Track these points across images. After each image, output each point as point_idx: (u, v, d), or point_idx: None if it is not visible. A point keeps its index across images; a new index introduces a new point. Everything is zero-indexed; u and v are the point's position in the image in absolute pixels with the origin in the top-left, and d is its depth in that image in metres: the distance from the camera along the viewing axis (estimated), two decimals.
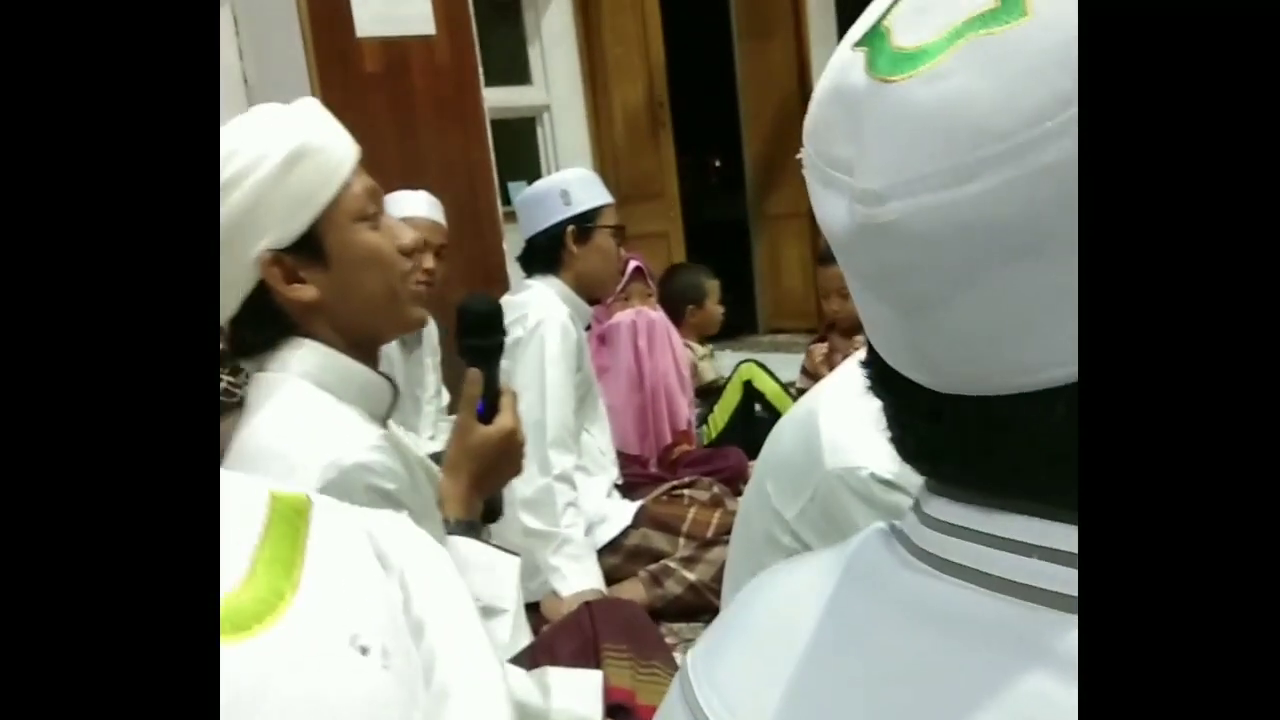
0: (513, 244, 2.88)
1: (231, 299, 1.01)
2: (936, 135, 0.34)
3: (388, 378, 1.09)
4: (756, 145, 5.76)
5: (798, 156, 0.43)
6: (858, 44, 0.40)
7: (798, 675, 0.43)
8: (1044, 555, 0.37)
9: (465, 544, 1.07)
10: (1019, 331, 0.35)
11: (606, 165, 5.00)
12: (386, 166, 3.23)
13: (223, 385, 1.62)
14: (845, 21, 5.93)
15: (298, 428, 0.98)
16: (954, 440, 0.41)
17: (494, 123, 3.53)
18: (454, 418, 2.09)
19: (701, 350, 3.62)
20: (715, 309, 3.63)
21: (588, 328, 2.61)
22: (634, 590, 2.24)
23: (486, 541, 1.10)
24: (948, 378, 0.38)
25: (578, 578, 2.16)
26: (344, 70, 3.10)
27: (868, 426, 1.35)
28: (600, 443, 2.53)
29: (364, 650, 0.27)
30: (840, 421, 1.27)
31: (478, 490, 1.13)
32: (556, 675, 1.22)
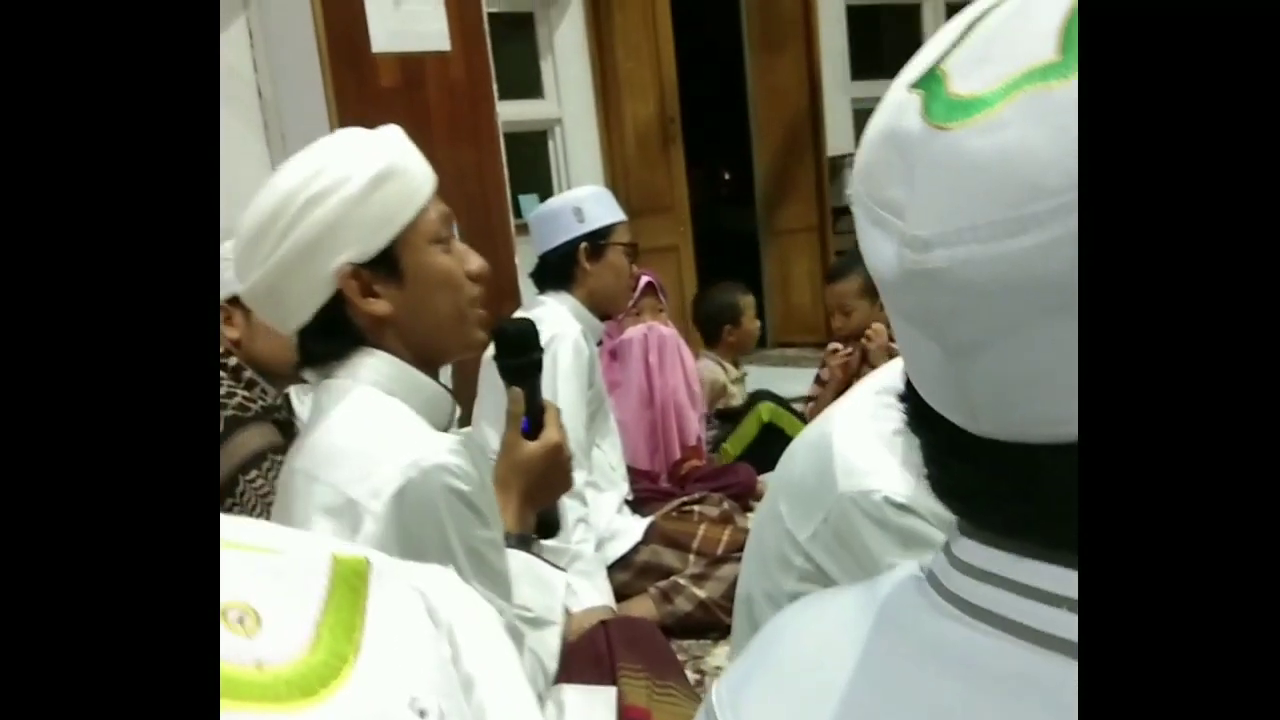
0: (524, 257, 2.89)
1: (306, 309, 1.05)
2: (988, 187, 0.34)
3: (449, 390, 1.13)
4: (767, 159, 5.77)
5: (857, 175, 0.43)
6: (914, 85, 0.40)
7: (831, 715, 0.44)
8: (1073, 607, 0.38)
9: (518, 557, 1.10)
10: (1053, 383, 0.35)
11: (617, 178, 5.01)
12: None
13: (239, 399, 1.63)
14: (855, 36, 5.95)
15: (377, 428, 1.02)
16: (987, 483, 0.41)
17: (505, 136, 3.55)
18: (466, 430, 2.09)
19: (735, 373, 3.57)
20: (751, 326, 3.56)
21: (599, 343, 2.62)
22: (644, 607, 2.25)
23: (538, 555, 1.14)
24: (985, 422, 0.39)
25: (588, 594, 2.16)
26: (359, 85, 3.12)
27: (881, 449, 1.36)
28: (611, 458, 2.53)
29: (423, 713, 0.28)
30: (854, 444, 1.28)
31: (529, 505, 1.16)
32: (572, 693, 1.23)
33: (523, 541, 1.12)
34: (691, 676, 1.85)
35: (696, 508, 2.52)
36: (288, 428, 1.72)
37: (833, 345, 3.08)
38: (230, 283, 1.69)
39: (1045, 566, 0.39)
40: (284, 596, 0.29)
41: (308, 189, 1.00)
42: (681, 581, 2.27)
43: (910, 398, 0.44)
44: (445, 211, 1.09)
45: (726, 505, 2.56)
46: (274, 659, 0.27)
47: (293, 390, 1.99)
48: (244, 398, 1.64)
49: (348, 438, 1.02)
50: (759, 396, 3.39)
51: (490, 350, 1.25)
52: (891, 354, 2.72)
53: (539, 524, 1.20)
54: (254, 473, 1.57)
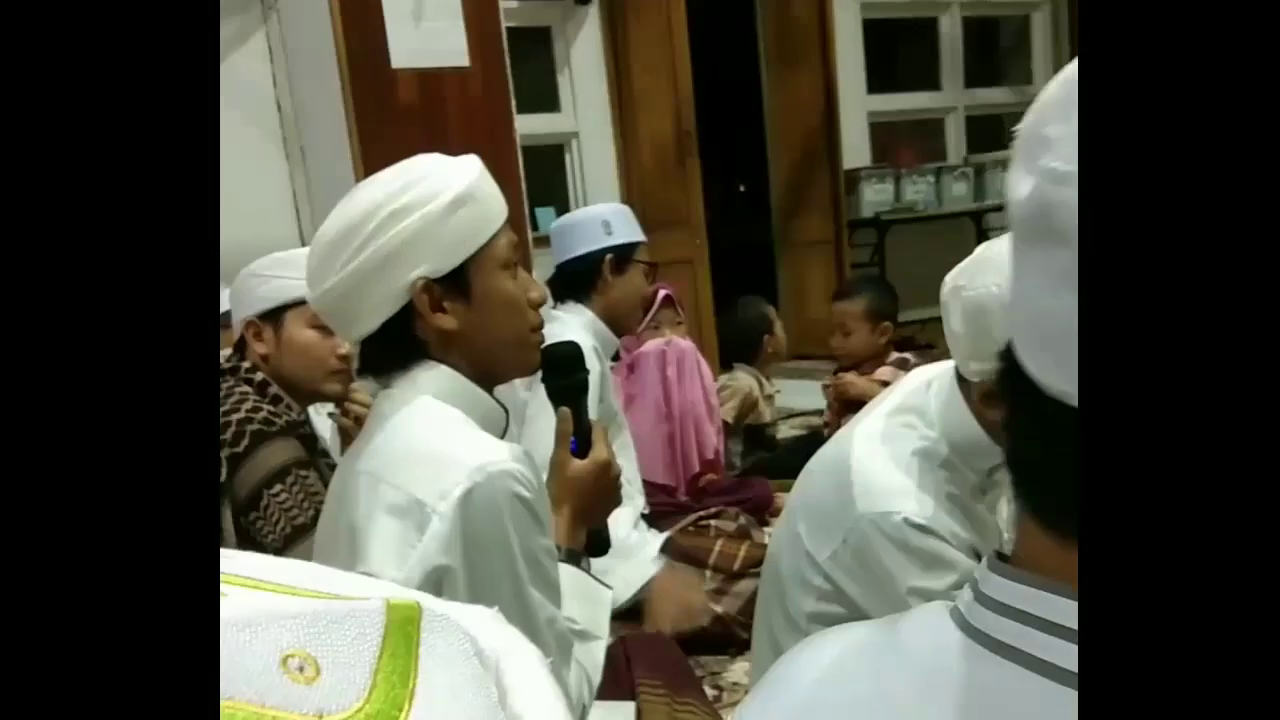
0: (540, 269, 2.90)
1: (376, 318, 1.09)
2: None
3: (502, 406, 1.17)
4: (783, 172, 5.78)
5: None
6: None
7: None
8: None
9: (568, 573, 1.13)
10: None
11: (633, 192, 5.02)
12: None
13: (264, 414, 1.65)
14: (872, 50, 5.95)
15: (444, 434, 1.06)
16: (1039, 453, 0.42)
17: (522, 149, 3.57)
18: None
19: (770, 388, 3.55)
20: (782, 335, 3.61)
21: (615, 358, 2.62)
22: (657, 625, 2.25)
23: (586, 571, 1.17)
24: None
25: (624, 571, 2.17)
26: (379, 101, 3.15)
27: (898, 471, 1.37)
28: (626, 472, 2.53)
29: None
30: (872, 465, 1.28)
31: (579, 522, 1.19)
32: (593, 709, 1.24)
33: (572, 557, 1.15)
34: (710, 692, 1.86)
35: (713, 523, 2.53)
36: (312, 443, 1.74)
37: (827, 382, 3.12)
38: (263, 299, 1.71)
39: (1072, 603, 0.40)
40: (341, 644, 0.29)
41: (393, 203, 1.04)
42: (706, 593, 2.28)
43: (1008, 363, 0.44)
44: (514, 240, 1.14)
45: (743, 520, 2.56)
46: (334, 708, 0.27)
47: (311, 409, 2.01)
48: (269, 413, 1.66)
49: (415, 442, 1.06)
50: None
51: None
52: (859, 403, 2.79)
53: (590, 542, 1.23)
54: (278, 486, 1.59)
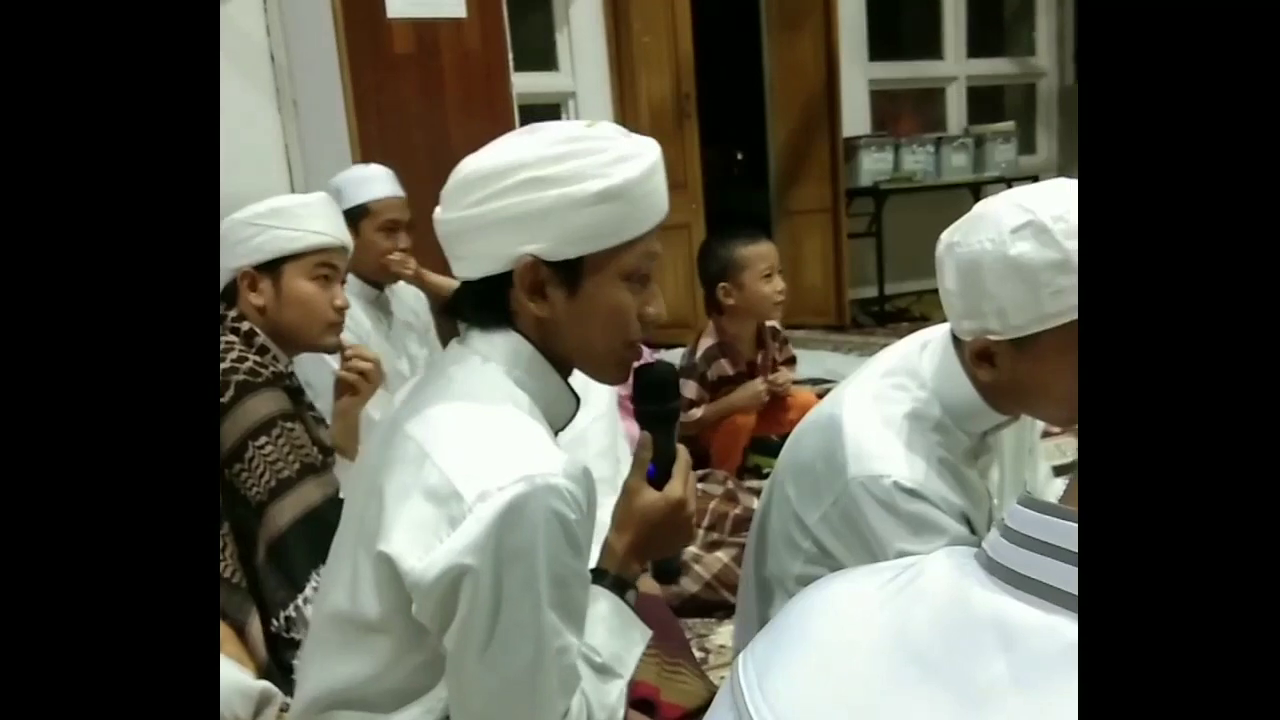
0: None
1: (476, 270, 1.05)
2: None
3: (574, 394, 1.11)
4: (782, 138, 5.73)
5: None
6: None
7: (869, 697, 0.43)
8: None
9: (607, 601, 1.07)
10: None
11: None
12: (414, 148, 3.23)
13: (250, 364, 1.63)
14: (875, 16, 5.90)
15: (501, 428, 1.00)
16: None
17: (519, 108, 3.53)
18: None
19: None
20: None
21: None
22: (649, 587, 2.24)
23: (630, 605, 1.09)
24: None
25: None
26: (374, 51, 3.10)
27: (889, 434, 1.35)
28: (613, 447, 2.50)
29: None
30: (863, 428, 1.27)
31: (638, 554, 1.11)
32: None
33: (619, 586, 1.09)
34: (697, 654, 1.85)
35: (701, 485, 2.52)
36: (298, 395, 1.72)
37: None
38: (258, 250, 1.68)
39: None
40: None
41: (539, 169, 0.99)
42: (687, 560, 2.27)
43: None
44: (653, 251, 1.07)
45: (730, 484, 2.56)
46: None
47: (323, 358, 2.00)
48: (255, 363, 1.64)
49: (470, 426, 1.00)
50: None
51: None
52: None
53: (658, 569, 1.16)
54: (263, 438, 1.57)
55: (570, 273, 1.03)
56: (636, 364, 1.14)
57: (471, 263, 1.06)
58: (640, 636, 1.09)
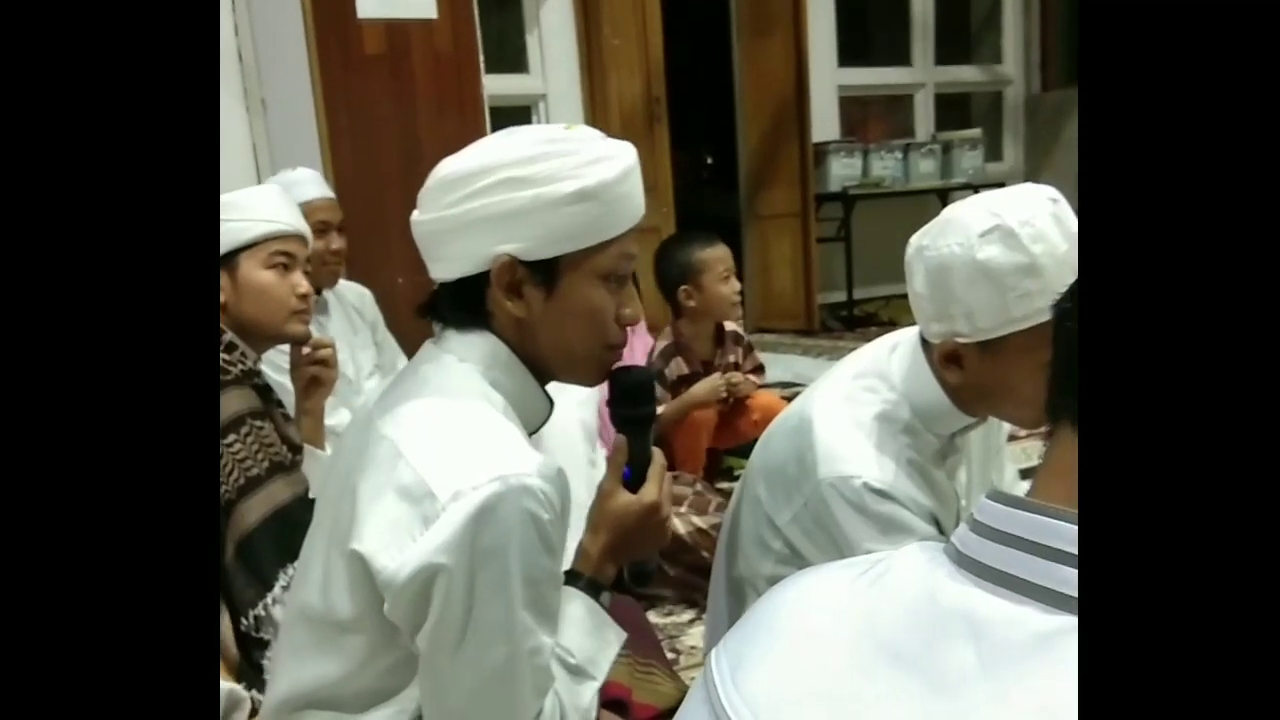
0: None
1: (453, 271, 1.06)
2: None
3: (549, 398, 1.11)
4: (752, 143, 5.76)
5: None
6: None
7: (841, 687, 0.44)
8: None
9: (584, 605, 1.06)
10: None
11: None
12: (384, 149, 3.21)
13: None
14: (844, 23, 5.94)
15: (476, 428, 1.00)
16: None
17: (490, 109, 3.52)
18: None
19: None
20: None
21: None
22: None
23: (604, 608, 1.09)
24: None
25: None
26: (344, 51, 3.08)
27: (861, 434, 1.37)
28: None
29: None
30: (833, 429, 1.28)
31: (613, 556, 1.11)
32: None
33: (593, 588, 1.09)
34: (668, 656, 1.86)
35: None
36: (266, 392, 1.70)
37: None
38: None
39: (1065, 526, 0.39)
40: None
41: (515, 169, 1.00)
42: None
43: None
44: (630, 253, 1.07)
45: (699, 486, 2.57)
46: None
47: (268, 369, 1.97)
48: (223, 361, 1.62)
49: (443, 425, 1.00)
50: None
51: None
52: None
53: (633, 572, 1.16)
54: (232, 436, 1.56)
55: (547, 273, 1.04)
56: (614, 367, 1.14)
57: (449, 263, 1.06)
58: (615, 638, 1.09)
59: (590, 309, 1.06)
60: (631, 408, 1.14)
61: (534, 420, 1.11)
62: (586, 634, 1.05)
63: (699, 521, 2.28)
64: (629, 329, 1.12)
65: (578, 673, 1.03)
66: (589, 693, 1.04)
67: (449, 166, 1.03)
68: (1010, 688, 0.38)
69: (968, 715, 0.39)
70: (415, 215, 1.07)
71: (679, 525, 2.26)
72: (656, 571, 1.22)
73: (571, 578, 1.09)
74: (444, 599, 0.93)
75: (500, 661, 0.95)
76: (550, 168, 1.00)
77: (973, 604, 0.42)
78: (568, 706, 1.01)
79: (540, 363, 1.09)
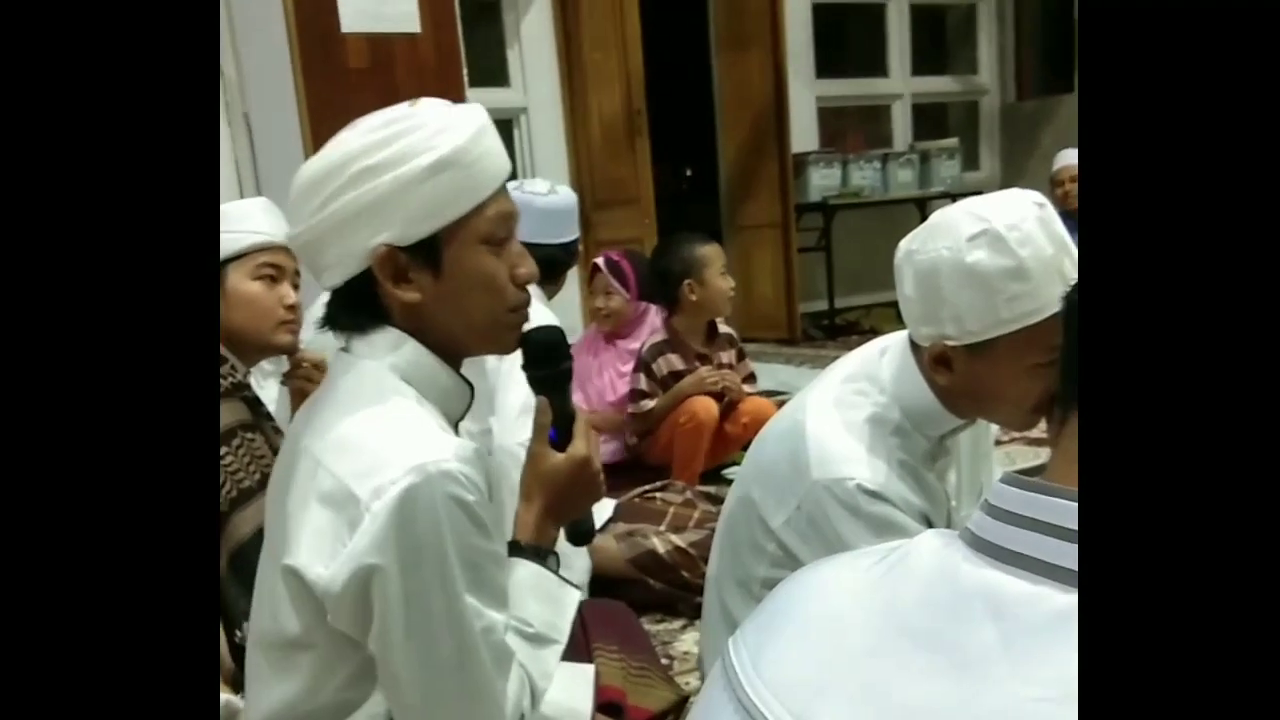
0: None
1: (338, 275, 1.03)
2: None
3: (467, 382, 1.10)
4: (731, 155, 5.80)
5: None
6: None
7: (864, 669, 0.45)
8: None
9: (528, 570, 1.07)
10: None
11: (582, 169, 5.00)
12: None
13: None
14: (821, 34, 5.98)
15: (387, 421, 0.99)
16: None
17: None
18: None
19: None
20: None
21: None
22: (610, 544, 2.25)
23: (554, 571, 1.08)
24: None
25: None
26: (327, 65, 3.09)
27: (853, 437, 1.38)
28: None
29: None
30: (826, 432, 1.29)
31: (552, 518, 1.11)
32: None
33: (538, 554, 1.08)
34: (661, 662, 1.87)
35: (659, 495, 2.53)
36: (256, 405, 1.70)
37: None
38: None
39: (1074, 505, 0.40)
40: None
41: (367, 158, 0.97)
42: (653, 536, 2.29)
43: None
44: (506, 212, 1.05)
45: (689, 493, 2.57)
46: None
47: (257, 374, 1.97)
48: None
49: (356, 427, 0.99)
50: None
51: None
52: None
53: (571, 532, 1.14)
54: (223, 449, 1.56)
55: (429, 252, 1.01)
56: (523, 330, 1.12)
57: (332, 270, 1.03)
58: (571, 599, 1.09)
59: (482, 277, 1.04)
60: (546, 367, 1.13)
61: (454, 405, 1.09)
62: (541, 601, 1.05)
63: (678, 540, 2.28)
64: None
65: (538, 640, 1.03)
66: (554, 657, 1.04)
67: (304, 173, 1.01)
68: (1033, 664, 0.39)
69: (992, 692, 0.40)
70: (289, 232, 1.06)
71: (657, 544, 2.26)
72: (595, 530, 1.21)
73: (514, 549, 1.08)
74: (383, 598, 0.92)
75: (452, 649, 0.94)
76: (401, 147, 0.97)
77: (991, 585, 0.43)
78: (535, 675, 1.01)
79: (449, 343, 1.07)
